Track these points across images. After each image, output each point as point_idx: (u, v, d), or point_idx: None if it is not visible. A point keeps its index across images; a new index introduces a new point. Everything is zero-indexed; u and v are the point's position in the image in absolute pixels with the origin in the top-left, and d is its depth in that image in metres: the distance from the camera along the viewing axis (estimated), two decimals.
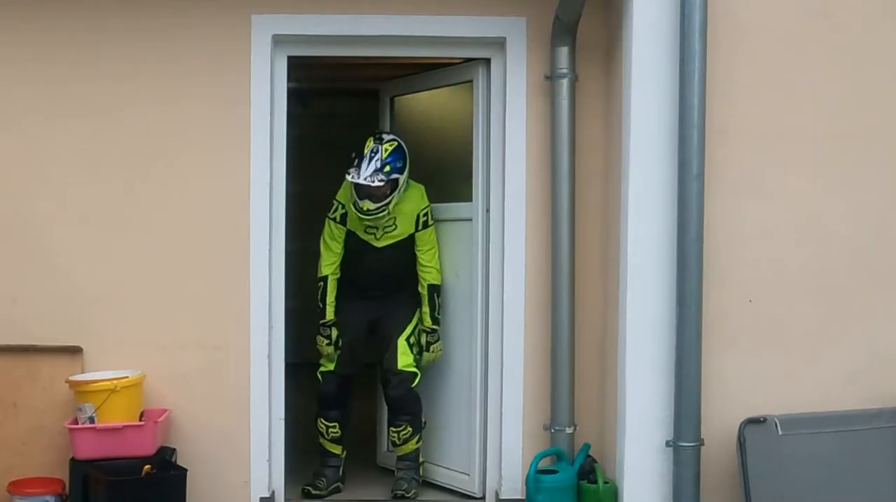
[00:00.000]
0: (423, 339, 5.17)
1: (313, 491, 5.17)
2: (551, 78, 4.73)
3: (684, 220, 4.27)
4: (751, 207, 4.47)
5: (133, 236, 4.76)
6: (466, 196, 5.15)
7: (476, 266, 5.08)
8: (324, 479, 5.21)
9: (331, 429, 5.23)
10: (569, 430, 4.77)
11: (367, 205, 4.98)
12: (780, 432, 4.26)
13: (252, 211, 4.78)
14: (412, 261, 5.17)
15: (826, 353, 4.49)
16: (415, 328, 5.17)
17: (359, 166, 4.98)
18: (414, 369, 5.12)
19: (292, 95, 5.01)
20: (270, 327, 4.84)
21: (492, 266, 4.99)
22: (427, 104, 5.63)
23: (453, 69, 5.23)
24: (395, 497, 5.10)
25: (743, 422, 4.27)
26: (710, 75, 4.28)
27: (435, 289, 5.16)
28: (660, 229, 4.37)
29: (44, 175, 4.75)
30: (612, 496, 4.54)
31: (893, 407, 4.38)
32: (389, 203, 5.01)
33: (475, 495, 5.11)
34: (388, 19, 4.79)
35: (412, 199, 5.14)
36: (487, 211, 5.02)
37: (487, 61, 4.97)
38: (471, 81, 5.10)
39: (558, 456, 4.73)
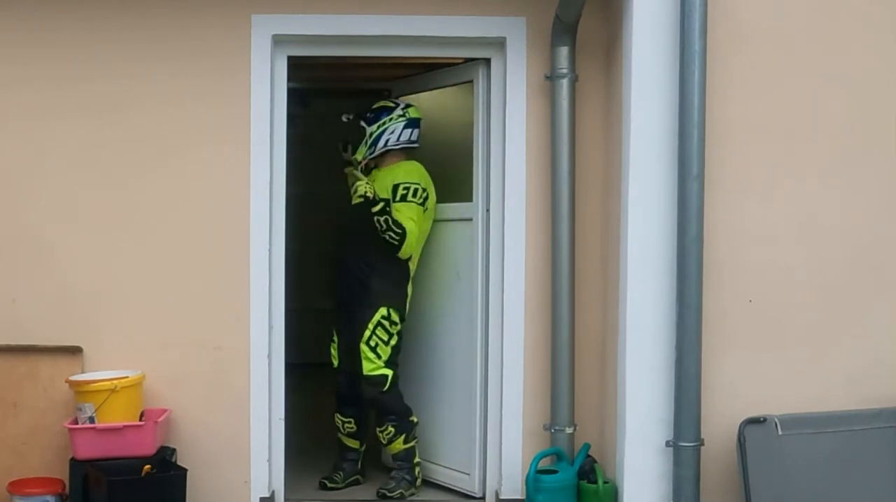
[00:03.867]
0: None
1: (329, 484, 5.24)
2: (551, 78, 4.73)
3: (684, 220, 4.27)
4: (751, 207, 4.47)
5: (133, 236, 4.77)
6: (466, 196, 5.15)
7: (476, 266, 5.08)
8: (341, 473, 5.29)
9: (346, 425, 5.29)
10: (569, 430, 4.76)
11: (348, 148, 5.30)
12: (780, 432, 4.26)
13: (252, 211, 4.78)
14: (376, 233, 5.04)
15: (826, 353, 4.49)
16: (375, 326, 5.06)
17: None
18: (381, 372, 5.06)
19: (292, 95, 5.01)
20: (270, 327, 4.84)
21: (492, 266, 4.99)
22: (427, 104, 5.62)
23: (454, 69, 5.23)
24: (379, 495, 5.12)
25: (743, 422, 4.27)
26: (710, 75, 4.28)
27: (394, 232, 5.00)
28: (660, 229, 4.37)
29: (44, 174, 4.75)
30: (612, 496, 4.54)
31: (893, 408, 4.38)
32: (356, 153, 5.21)
33: (475, 495, 5.11)
34: (388, 19, 4.79)
35: (396, 171, 5.16)
36: (487, 211, 5.02)
37: (487, 61, 4.97)
38: (471, 81, 5.10)
39: (558, 456, 4.73)
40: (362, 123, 5.24)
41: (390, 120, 5.21)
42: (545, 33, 4.77)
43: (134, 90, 4.75)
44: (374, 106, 5.30)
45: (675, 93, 4.31)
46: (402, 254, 5.07)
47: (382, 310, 5.08)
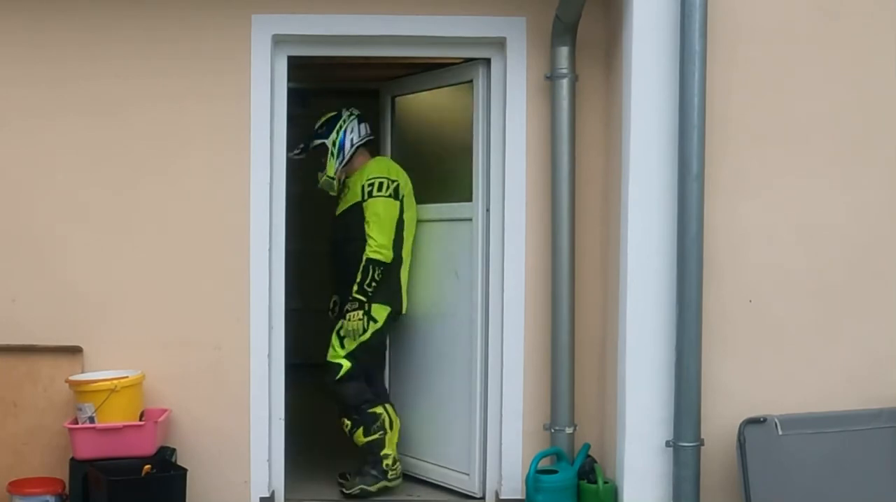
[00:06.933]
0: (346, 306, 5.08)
1: (342, 483, 5.22)
2: (551, 78, 4.74)
3: (684, 220, 4.27)
4: (751, 207, 4.47)
5: (133, 236, 4.77)
6: (466, 196, 5.15)
7: (476, 266, 5.08)
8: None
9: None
10: (569, 430, 4.77)
11: (320, 176, 5.25)
12: (780, 432, 4.26)
13: (252, 211, 4.79)
14: (360, 238, 5.09)
15: (826, 353, 4.49)
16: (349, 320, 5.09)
17: None
18: (339, 360, 5.09)
19: (292, 95, 5.01)
20: (270, 327, 4.84)
21: (492, 266, 4.99)
22: (427, 104, 5.63)
23: (453, 69, 5.23)
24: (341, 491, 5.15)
25: (743, 422, 4.27)
26: (710, 75, 4.29)
27: (372, 263, 5.02)
28: (660, 229, 4.37)
29: (44, 175, 4.75)
30: (612, 496, 4.54)
31: (893, 408, 4.38)
32: (326, 171, 5.18)
33: (475, 495, 5.11)
34: (388, 19, 4.79)
35: (363, 172, 5.18)
36: (487, 211, 5.02)
37: (487, 61, 4.97)
38: (471, 81, 5.10)
39: (558, 456, 4.73)
40: (318, 141, 5.23)
41: (344, 121, 5.24)
42: (545, 33, 4.77)
43: (134, 90, 4.75)
44: (319, 124, 5.29)
45: (675, 93, 4.31)
46: (385, 258, 5.05)
47: (364, 306, 5.07)
